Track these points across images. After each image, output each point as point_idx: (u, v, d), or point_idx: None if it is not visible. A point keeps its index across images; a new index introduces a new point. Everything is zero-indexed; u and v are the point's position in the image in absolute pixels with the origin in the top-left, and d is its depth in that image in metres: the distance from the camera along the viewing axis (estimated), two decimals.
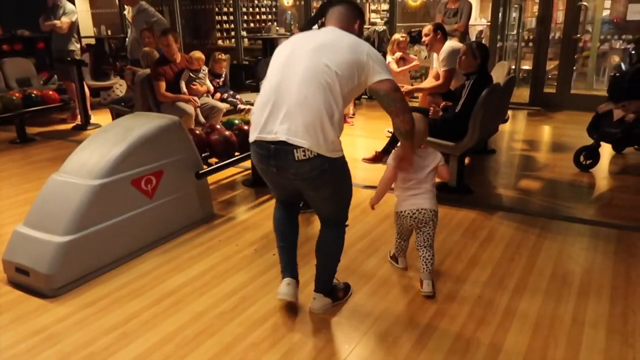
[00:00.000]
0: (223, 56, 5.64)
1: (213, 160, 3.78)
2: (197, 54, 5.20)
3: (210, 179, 4.01)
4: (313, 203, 2.34)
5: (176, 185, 3.26)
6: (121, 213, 2.92)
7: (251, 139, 2.19)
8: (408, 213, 2.58)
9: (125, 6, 6.52)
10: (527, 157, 5.12)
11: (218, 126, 3.95)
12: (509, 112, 6.88)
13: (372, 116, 7.06)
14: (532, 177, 4.47)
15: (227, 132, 3.73)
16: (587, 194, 4.09)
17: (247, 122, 4.17)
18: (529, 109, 7.22)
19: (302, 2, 9.06)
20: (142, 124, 3.10)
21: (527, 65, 8.31)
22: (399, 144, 2.50)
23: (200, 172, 3.36)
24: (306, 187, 2.20)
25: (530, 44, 7.78)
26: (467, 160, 4.70)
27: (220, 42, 11.77)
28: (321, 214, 2.38)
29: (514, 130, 6.22)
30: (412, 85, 6.33)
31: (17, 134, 6.00)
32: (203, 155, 3.70)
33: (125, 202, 2.95)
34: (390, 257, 2.94)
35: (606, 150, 4.78)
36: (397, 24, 9.04)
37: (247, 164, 4.34)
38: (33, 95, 5.92)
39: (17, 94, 5.93)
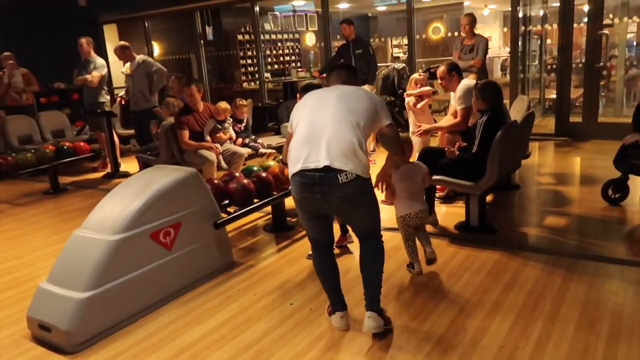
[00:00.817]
0: (244, 102, 5.79)
1: (233, 208, 3.82)
2: (224, 105, 5.37)
3: (231, 225, 4.06)
4: (354, 221, 2.69)
5: (195, 236, 3.31)
6: (141, 266, 2.98)
7: (294, 170, 2.46)
8: (414, 214, 3.25)
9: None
10: (554, 191, 4.99)
11: (237, 174, 4.02)
12: (534, 144, 6.79)
13: None
14: (559, 213, 4.35)
15: (245, 180, 3.79)
16: (617, 230, 3.94)
17: (266, 169, 4.23)
18: (555, 139, 7.09)
19: (323, 43, 9.26)
20: (160, 177, 3.19)
21: (552, 94, 8.21)
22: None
23: (219, 221, 3.41)
24: (347, 207, 2.49)
25: (554, 74, 7.71)
26: (489, 197, 4.63)
27: (245, 84, 12.10)
28: (362, 229, 2.68)
29: (539, 162, 6.10)
30: (434, 121, 6.32)
31: (51, 185, 6.25)
32: (222, 203, 3.76)
33: (145, 256, 3.01)
34: (408, 266, 3.36)
35: (637, 183, 4.61)
36: (417, 60, 9.13)
37: (268, 209, 4.38)
38: (65, 147, 6.18)
39: (50, 147, 6.21)
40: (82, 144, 6.41)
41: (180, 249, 3.21)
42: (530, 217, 4.37)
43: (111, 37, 11.96)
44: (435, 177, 3.91)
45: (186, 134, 5.17)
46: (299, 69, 11.36)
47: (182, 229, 3.22)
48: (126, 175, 6.81)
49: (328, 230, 2.72)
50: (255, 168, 4.23)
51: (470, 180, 3.80)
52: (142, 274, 2.97)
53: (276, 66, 13.47)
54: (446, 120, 5.05)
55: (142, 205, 2.98)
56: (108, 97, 7.14)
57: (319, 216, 2.59)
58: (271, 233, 4.31)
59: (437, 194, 4.60)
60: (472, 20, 6.33)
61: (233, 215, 3.62)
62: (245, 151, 5.38)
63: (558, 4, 6.97)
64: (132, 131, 8.02)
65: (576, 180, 5.45)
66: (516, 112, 5.02)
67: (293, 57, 14.21)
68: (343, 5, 13.94)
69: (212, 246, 3.46)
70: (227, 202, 3.77)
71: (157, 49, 12.46)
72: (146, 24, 11.28)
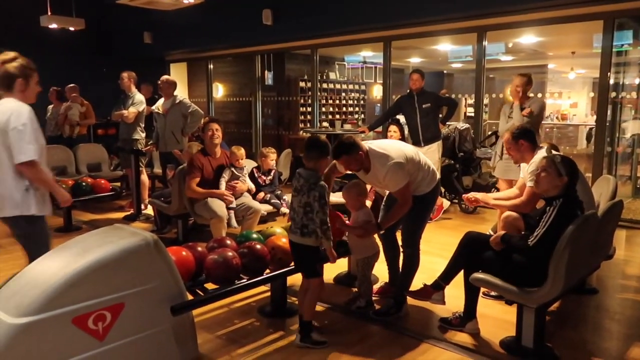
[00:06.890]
0: (272, 150, 5.10)
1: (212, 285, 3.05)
2: (239, 150, 4.72)
3: (215, 303, 3.29)
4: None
5: (143, 323, 2.55)
6: None
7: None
8: None
9: (161, 98, 6.27)
10: None
11: (228, 242, 3.27)
12: (620, 233, 5.53)
13: (444, 226, 6.02)
14: None
15: (230, 253, 3.01)
16: None
17: (269, 236, 3.45)
18: None
19: (382, 97, 8.55)
20: (104, 244, 2.49)
21: None
22: None
23: (178, 306, 2.63)
24: None
25: None
26: (554, 305, 3.53)
27: (302, 132, 11.61)
28: None
29: (626, 259, 4.83)
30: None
31: (64, 222, 5.84)
32: (199, 279, 3.01)
33: (62, 346, 2.27)
34: None
35: None
36: (490, 121, 8.18)
37: (260, 289, 3.56)
38: (83, 184, 5.77)
39: (69, 182, 5.83)
40: (102, 181, 5.98)
41: (117, 340, 2.45)
42: (610, 342, 3.21)
43: (181, 77, 12.03)
44: (475, 275, 2.95)
45: (195, 180, 4.53)
46: (345, 122, 10.73)
47: (125, 313, 2.47)
48: (149, 218, 6.30)
49: None
50: (254, 236, 3.46)
51: (525, 286, 2.80)
52: None
53: (337, 116, 12.96)
54: (507, 195, 3.97)
55: (66, 280, 2.27)
56: (143, 135, 6.77)
57: None
58: (266, 317, 3.48)
59: (482, 290, 3.59)
60: (527, 82, 4.81)
61: (202, 298, 2.84)
62: (262, 208, 4.63)
63: None
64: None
65: None
66: (598, 195, 3.93)
67: (357, 109, 13.67)
68: (415, 60, 13.30)
69: (168, 337, 2.66)
70: (203, 277, 3.01)
71: (221, 90, 12.40)
72: (209, 65, 11.21)
